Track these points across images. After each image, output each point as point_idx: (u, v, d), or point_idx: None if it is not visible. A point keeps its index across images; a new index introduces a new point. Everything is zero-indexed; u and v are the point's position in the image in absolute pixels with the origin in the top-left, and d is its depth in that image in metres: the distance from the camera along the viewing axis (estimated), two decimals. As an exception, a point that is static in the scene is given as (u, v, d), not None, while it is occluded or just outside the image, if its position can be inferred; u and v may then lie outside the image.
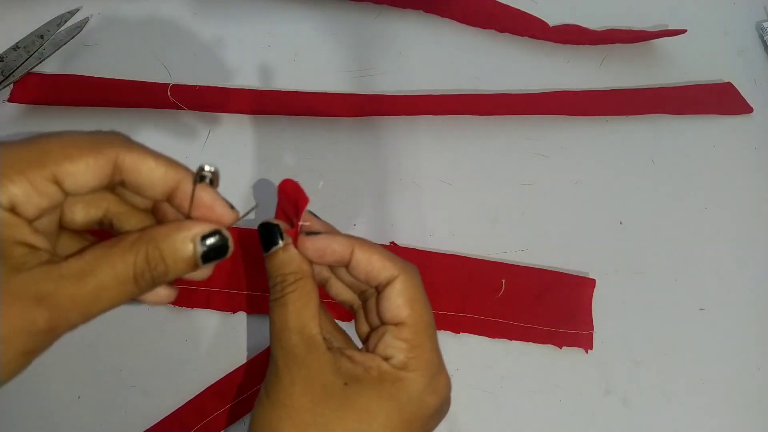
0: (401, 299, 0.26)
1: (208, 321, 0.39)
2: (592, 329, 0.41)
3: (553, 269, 0.42)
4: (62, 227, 0.26)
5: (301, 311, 0.26)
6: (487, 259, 0.42)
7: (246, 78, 0.47)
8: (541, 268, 0.42)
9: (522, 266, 0.42)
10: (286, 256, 0.27)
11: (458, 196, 0.45)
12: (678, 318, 0.42)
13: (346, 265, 0.27)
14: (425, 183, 0.45)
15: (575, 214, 0.45)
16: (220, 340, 0.39)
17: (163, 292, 0.26)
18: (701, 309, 0.43)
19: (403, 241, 0.42)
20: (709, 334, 0.42)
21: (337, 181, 0.44)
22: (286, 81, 0.47)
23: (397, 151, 0.46)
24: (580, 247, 0.44)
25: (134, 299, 0.24)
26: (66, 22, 0.46)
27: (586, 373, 0.40)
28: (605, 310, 0.42)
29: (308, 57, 0.49)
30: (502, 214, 0.44)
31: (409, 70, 0.49)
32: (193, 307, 0.39)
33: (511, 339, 0.40)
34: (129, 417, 0.37)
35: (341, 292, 0.30)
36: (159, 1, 0.50)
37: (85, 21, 0.47)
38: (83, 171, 0.23)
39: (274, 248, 0.27)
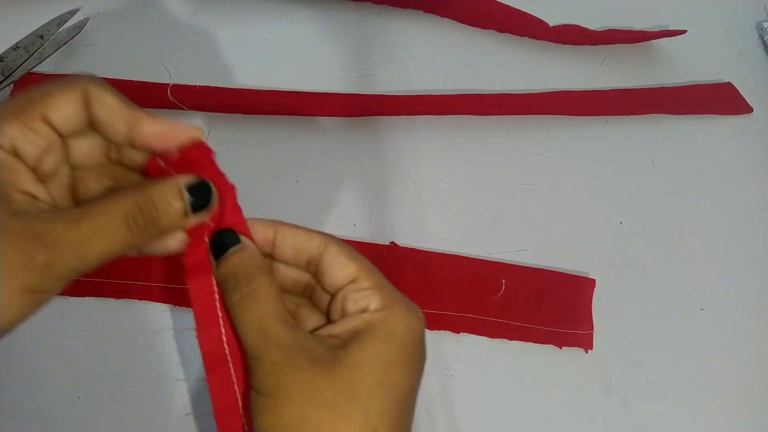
0: (342, 257, 0.27)
1: (208, 321, 0.39)
2: (592, 329, 0.41)
3: (553, 269, 0.42)
4: (79, 200, 0.27)
5: (277, 302, 0.25)
6: (487, 259, 0.42)
7: (246, 78, 0.47)
8: (541, 268, 0.42)
9: (522, 266, 0.42)
10: (247, 253, 0.26)
11: (458, 196, 0.45)
12: (678, 318, 0.42)
13: (272, 246, 0.27)
14: (425, 183, 0.45)
15: (575, 214, 0.45)
16: (220, 340, 0.39)
17: (171, 242, 0.26)
18: (701, 309, 0.43)
19: (403, 241, 0.42)
20: (709, 334, 0.42)
21: (337, 181, 0.44)
22: (286, 81, 0.47)
23: (397, 151, 0.46)
24: (580, 247, 0.44)
25: (136, 249, 0.26)
26: (66, 22, 0.46)
27: (586, 373, 0.40)
28: (605, 310, 0.42)
29: (308, 57, 0.49)
30: (502, 214, 0.44)
31: (409, 70, 0.49)
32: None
33: (510, 339, 0.40)
34: (129, 417, 0.37)
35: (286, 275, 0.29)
36: (159, 0, 0.50)
37: (85, 21, 0.47)
38: (63, 104, 0.24)
39: (234, 248, 0.26)
